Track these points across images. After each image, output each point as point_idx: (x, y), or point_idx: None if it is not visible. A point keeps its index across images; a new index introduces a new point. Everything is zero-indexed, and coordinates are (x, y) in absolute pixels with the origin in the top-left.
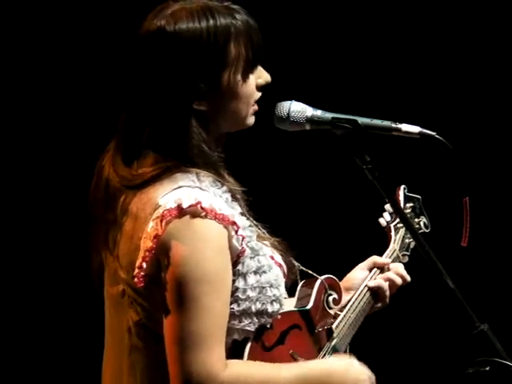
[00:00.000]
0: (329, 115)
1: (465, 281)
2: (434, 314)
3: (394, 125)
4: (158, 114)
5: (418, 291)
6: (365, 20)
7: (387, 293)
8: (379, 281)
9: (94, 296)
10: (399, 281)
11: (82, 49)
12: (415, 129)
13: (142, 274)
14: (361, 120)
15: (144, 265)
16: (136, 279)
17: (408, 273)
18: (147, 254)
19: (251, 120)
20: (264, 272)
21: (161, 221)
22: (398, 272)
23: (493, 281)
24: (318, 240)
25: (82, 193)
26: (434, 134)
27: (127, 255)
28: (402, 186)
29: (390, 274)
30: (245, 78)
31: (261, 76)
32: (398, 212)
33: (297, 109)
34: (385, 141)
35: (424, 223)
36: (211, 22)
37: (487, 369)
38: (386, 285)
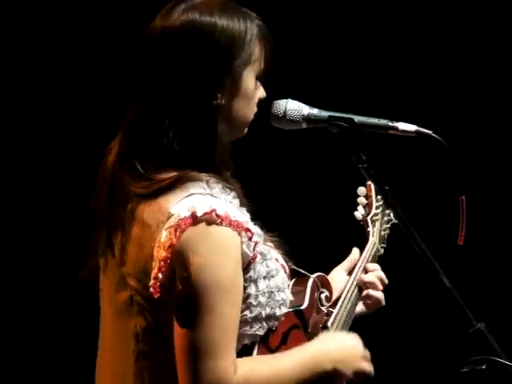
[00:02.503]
0: (325, 113)
1: (461, 279)
2: (430, 313)
3: (390, 123)
4: (182, 112)
5: (414, 290)
6: (361, 18)
7: (378, 294)
8: (372, 277)
9: (88, 299)
10: (381, 287)
11: (91, 48)
12: (412, 127)
13: (159, 284)
14: (357, 118)
15: (160, 275)
16: (152, 289)
17: (404, 271)
18: (163, 264)
19: (246, 130)
20: (272, 276)
21: (175, 230)
22: (379, 276)
23: (489, 279)
24: (301, 238)
25: (83, 195)
26: (430, 132)
27: (137, 263)
28: None
29: (373, 278)
30: (257, 81)
31: (260, 90)
32: (396, 213)
33: (293, 107)
34: (381, 139)
35: (393, 214)
36: (242, 20)
37: (483, 367)
38: (378, 281)
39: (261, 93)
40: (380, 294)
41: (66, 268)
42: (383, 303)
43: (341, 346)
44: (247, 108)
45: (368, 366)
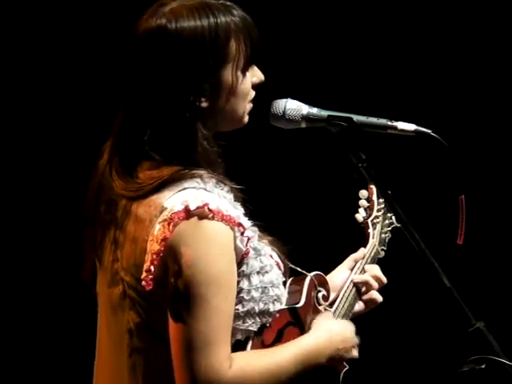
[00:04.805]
0: (324, 113)
1: (460, 279)
2: (429, 312)
3: (389, 122)
4: (161, 116)
5: (414, 289)
6: (360, 17)
7: (373, 292)
8: (365, 277)
9: (85, 297)
10: (376, 285)
11: (80, 48)
12: (411, 126)
13: (151, 277)
14: (356, 118)
15: (152, 268)
16: (144, 282)
17: (403, 271)
18: (155, 257)
19: (246, 118)
20: (266, 272)
21: (168, 224)
22: (374, 275)
23: (489, 279)
24: (301, 238)
25: (76, 195)
26: (429, 131)
27: (131, 257)
28: None
29: (366, 277)
30: (244, 74)
31: (255, 75)
32: (395, 213)
33: (292, 107)
34: (380, 139)
35: (395, 217)
36: (212, 19)
37: (483, 367)
38: (372, 280)
39: (257, 78)
40: (375, 293)
41: (65, 269)
42: (380, 300)
43: (335, 337)
44: (236, 103)
45: (356, 353)
